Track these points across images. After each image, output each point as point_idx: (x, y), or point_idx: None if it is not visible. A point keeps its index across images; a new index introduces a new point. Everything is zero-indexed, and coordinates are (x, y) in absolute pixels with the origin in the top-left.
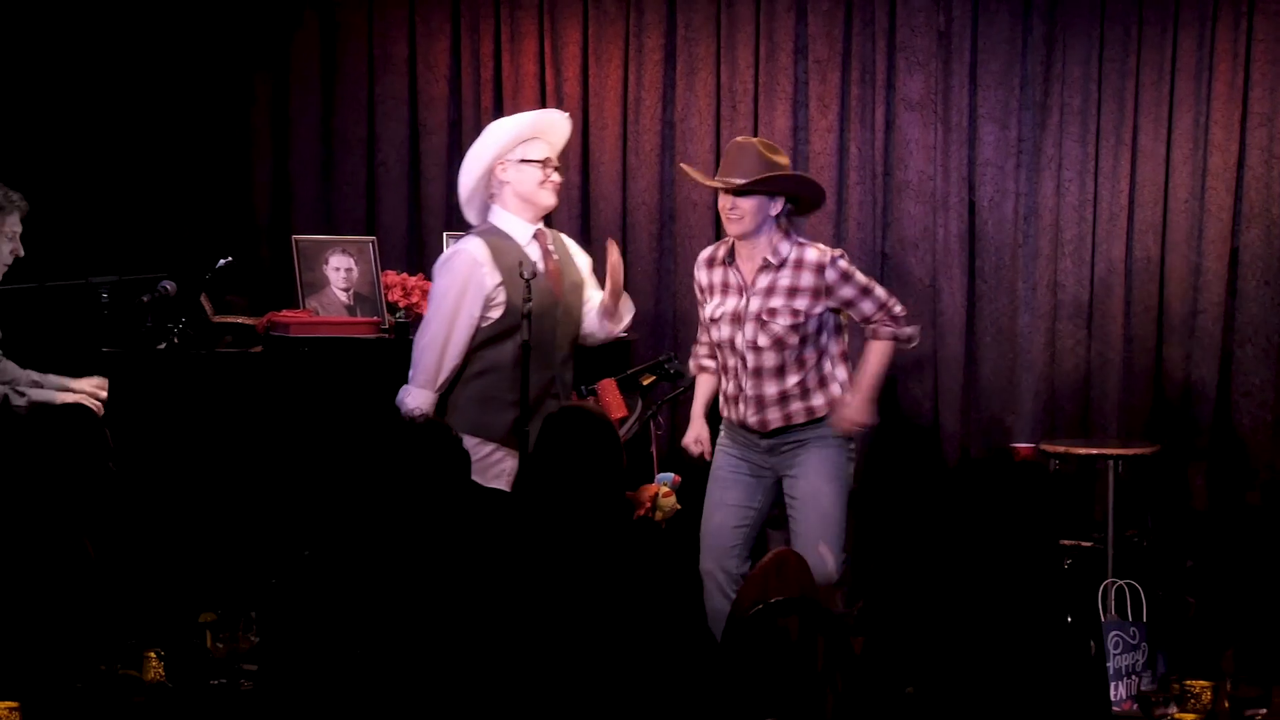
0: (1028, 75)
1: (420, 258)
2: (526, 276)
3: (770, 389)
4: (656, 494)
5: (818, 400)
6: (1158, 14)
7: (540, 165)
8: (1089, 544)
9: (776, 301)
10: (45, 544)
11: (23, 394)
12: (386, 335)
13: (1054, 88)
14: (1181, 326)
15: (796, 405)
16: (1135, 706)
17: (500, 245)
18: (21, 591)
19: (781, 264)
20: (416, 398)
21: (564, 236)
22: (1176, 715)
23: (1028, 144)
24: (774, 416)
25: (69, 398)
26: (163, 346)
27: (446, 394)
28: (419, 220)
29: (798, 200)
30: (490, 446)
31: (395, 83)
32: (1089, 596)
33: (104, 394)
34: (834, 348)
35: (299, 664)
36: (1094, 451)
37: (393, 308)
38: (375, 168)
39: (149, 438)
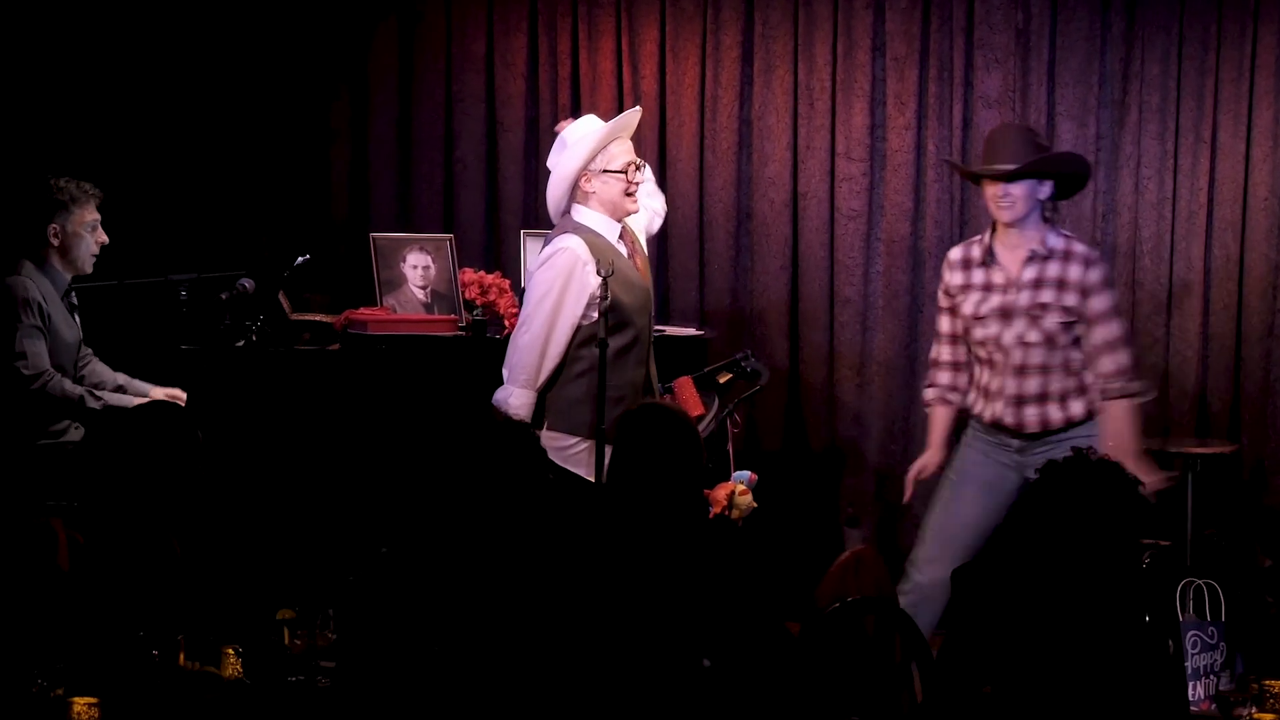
0: (1106, 73)
1: (498, 255)
2: (605, 275)
3: (1031, 387)
4: (733, 492)
5: (1076, 408)
6: (1237, 10)
7: (623, 175)
8: (1167, 543)
9: (1047, 295)
10: (134, 541)
11: (99, 398)
12: (464, 333)
13: (1132, 85)
14: (1260, 325)
15: (1054, 409)
16: (1213, 706)
17: (598, 244)
18: (107, 587)
19: (1049, 255)
20: (519, 398)
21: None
22: (1255, 715)
23: (1106, 142)
24: (1031, 417)
25: (144, 402)
26: (241, 344)
27: (543, 394)
28: (496, 218)
29: (1059, 183)
30: (575, 439)
31: (473, 81)
32: (1167, 595)
33: (181, 403)
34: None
35: (377, 661)
36: (1172, 450)
37: (470, 305)
38: (453, 165)
39: (227, 435)
